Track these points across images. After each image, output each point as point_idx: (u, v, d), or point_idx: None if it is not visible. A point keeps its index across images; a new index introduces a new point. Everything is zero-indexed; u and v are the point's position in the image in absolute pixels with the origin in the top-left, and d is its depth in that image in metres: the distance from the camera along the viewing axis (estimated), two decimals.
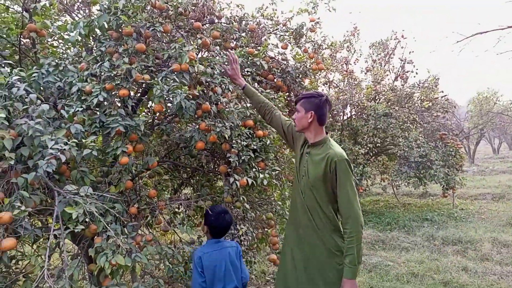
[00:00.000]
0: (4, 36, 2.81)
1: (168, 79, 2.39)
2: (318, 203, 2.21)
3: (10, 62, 2.53)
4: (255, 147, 2.78)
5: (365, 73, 9.51)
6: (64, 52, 3.15)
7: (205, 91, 2.68)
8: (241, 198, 2.74)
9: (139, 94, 3.16)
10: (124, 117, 2.36)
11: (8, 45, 2.90)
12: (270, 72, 3.52)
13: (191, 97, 2.49)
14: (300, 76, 3.64)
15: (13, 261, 2.49)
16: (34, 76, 2.32)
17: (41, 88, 2.40)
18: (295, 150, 2.50)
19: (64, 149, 2.00)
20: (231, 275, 2.39)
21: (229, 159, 2.65)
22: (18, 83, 2.15)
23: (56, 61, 2.46)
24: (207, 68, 2.62)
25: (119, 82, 2.33)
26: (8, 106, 2.05)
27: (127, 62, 2.38)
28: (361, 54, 9.48)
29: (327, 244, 2.20)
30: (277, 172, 2.87)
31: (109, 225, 2.39)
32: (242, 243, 2.82)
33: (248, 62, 3.20)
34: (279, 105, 3.01)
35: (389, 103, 8.66)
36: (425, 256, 5.40)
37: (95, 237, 2.42)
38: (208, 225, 2.48)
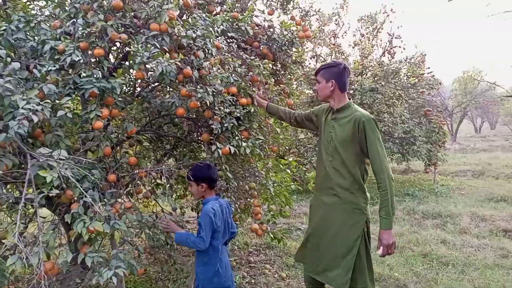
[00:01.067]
0: None
1: (149, 44, 2.27)
2: (345, 164, 2.35)
3: None
4: (238, 115, 2.71)
5: (353, 47, 9.43)
6: (37, 12, 2.97)
7: (187, 56, 2.57)
8: (224, 167, 2.68)
9: (119, 59, 3.04)
10: (99, 79, 2.25)
11: None
12: (255, 39, 3.41)
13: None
14: (287, 44, 3.54)
15: None
16: (3, 32, 2.18)
17: (12, 46, 2.27)
18: (319, 124, 2.63)
19: (37, 110, 1.89)
20: (226, 231, 2.49)
21: (212, 127, 2.58)
22: None
23: (27, 17, 2.31)
24: (189, 31, 2.51)
25: (93, 40, 2.21)
26: None
27: (102, 19, 2.24)
28: (349, 27, 9.34)
29: (348, 202, 2.37)
30: (260, 141, 2.81)
31: (87, 192, 2.32)
32: None
33: (233, 28, 3.08)
34: (263, 73, 2.92)
35: (375, 78, 8.63)
36: (405, 229, 5.50)
37: (72, 203, 2.34)
38: (205, 178, 2.43)
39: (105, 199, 2.40)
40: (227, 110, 2.63)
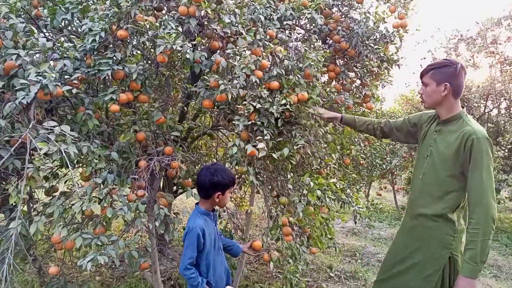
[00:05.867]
0: None
1: (169, 24, 2.11)
2: (439, 185, 2.00)
3: None
4: (273, 112, 2.31)
5: None
6: None
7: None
8: (247, 168, 2.32)
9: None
10: (119, 62, 2.20)
11: None
12: (334, 30, 2.92)
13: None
14: (377, 38, 2.93)
15: None
16: (54, 13, 2.34)
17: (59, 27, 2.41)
18: (418, 135, 2.26)
19: (41, 81, 1.93)
20: None
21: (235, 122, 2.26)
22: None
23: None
24: (225, 15, 2.26)
25: (117, 21, 2.17)
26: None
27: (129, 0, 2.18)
28: None
29: (429, 229, 2.04)
30: (299, 146, 2.34)
31: (100, 172, 2.31)
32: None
33: (296, 15, 2.68)
34: (316, 64, 2.42)
35: None
36: None
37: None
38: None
39: (121, 182, 2.36)
40: (258, 106, 2.27)
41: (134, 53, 2.56)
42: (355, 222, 6.16)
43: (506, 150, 6.76)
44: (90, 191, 2.19)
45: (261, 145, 2.21)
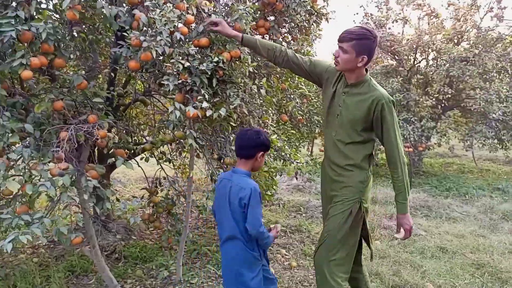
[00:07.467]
0: None
1: None
2: (348, 143, 2.18)
3: None
4: (204, 69, 2.20)
5: (447, 8, 7.86)
6: None
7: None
8: (189, 132, 2.23)
9: None
10: (25, 22, 1.96)
11: None
12: None
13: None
14: None
15: None
16: None
17: None
18: (325, 87, 2.30)
19: None
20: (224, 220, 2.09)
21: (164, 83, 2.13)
22: None
23: None
24: None
25: None
26: None
27: None
28: None
29: (346, 178, 2.20)
30: (235, 105, 2.28)
31: (14, 146, 2.12)
32: None
33: None
34: (245, 16, 2.34)
35: (472, 47, 7.14)
36: (470, 230, 4.45)
37: None
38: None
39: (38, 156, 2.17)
40: (187, 64, 2.15)
41: (41, 11, 2.30)
42: (296, 178, 6.33)
43: (434, 99, 7.18)
44: (4, 168, 2.00)
45: (205, 104, 2.12)
